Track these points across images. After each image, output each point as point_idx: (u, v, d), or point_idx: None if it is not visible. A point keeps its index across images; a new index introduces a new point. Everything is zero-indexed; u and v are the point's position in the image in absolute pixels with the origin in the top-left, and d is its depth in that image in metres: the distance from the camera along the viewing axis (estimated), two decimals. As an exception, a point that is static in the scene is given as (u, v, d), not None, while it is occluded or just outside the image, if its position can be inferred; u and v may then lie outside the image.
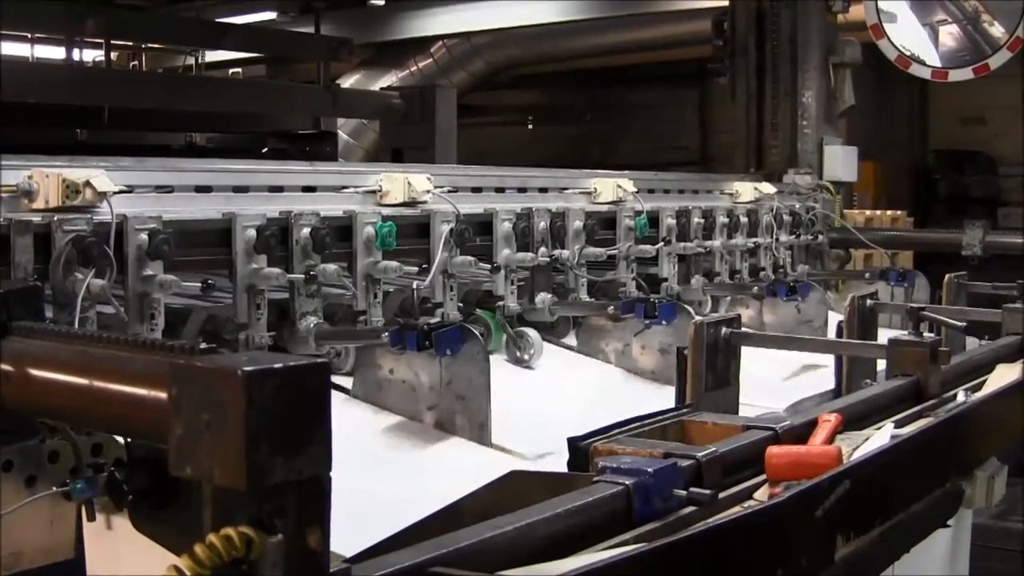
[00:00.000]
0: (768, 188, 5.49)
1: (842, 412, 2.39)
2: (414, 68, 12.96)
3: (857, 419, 2.47)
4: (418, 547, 1.49)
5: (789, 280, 4.68)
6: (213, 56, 13.82)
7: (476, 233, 3.66)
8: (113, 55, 11.54)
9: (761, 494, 2.00)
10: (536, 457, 2.84)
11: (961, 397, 2.81)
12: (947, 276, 4.51)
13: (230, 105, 10.95)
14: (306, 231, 3.14)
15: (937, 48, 6.67)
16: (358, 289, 3.29)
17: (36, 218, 2.62)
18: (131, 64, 13.66)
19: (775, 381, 3.73)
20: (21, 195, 2.67)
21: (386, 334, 2.84)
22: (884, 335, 3.47)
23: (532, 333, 3.70)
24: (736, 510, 1.86)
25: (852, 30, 6.78)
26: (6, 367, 1.61)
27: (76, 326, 2.48)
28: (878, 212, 8.83)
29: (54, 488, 2.12)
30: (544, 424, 3.03)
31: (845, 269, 6.12)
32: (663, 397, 3.33)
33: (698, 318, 3.17)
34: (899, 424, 2.46)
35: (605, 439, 2.07)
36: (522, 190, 4.18)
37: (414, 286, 3.31)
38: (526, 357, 3.67)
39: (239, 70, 14.02)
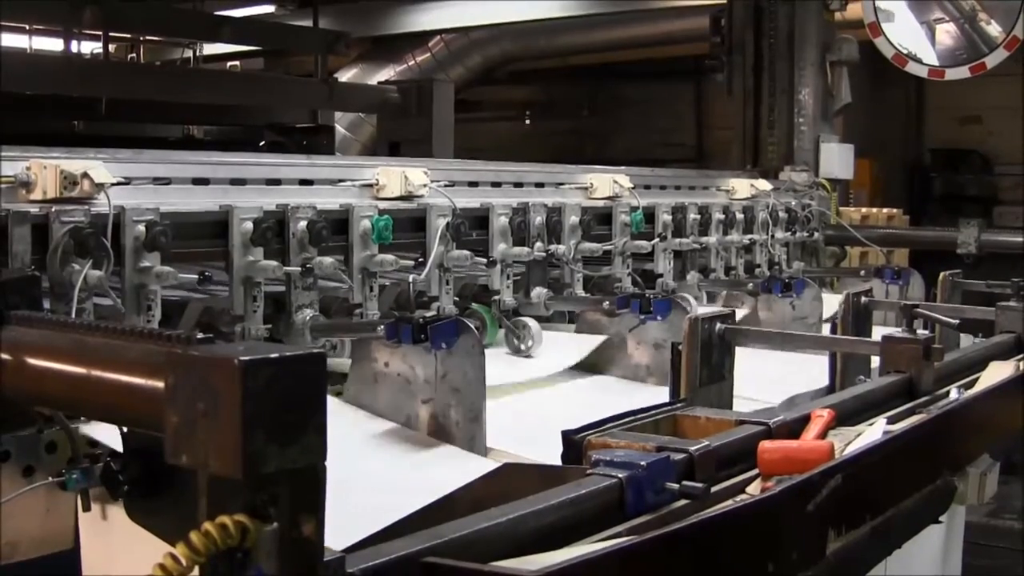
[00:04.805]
0: (764, 185, 5.49)
1: (835, 408, 2.39)
2: (411, 62, 12.97)
3: (850, 415, 2.47)
4: (411, 537, 1.50)
5: (784, 277, 4.67)
6: (211, 49, 13.81)
7: (472, 227, 3.66)
8: (111, 47, 11.54)
9: (753, 488, 2.01)
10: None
11: (954, 394, 2.81)
12: (942, 274, 4.51)
13: (227, 98, 10.96)
14: (303, 224, 3.14)
15: (934, 46, 6.68)
16: (354, 282, 3.29)
17: (34, 209, 2.62)
18: (129, 56, 13.68)
19: (769, 377, 3.73)
20: (19, 186, 2.66)
21: (381, 327, 2.83)
22: (878, 332, 3.47)
23: (531, 323, 3.68)
24: (728, 504, 1.87)
25: (849, 28, 6.79)
26: (2, 356, 1.61)
27: (73, 317, 2.48)
28: (874, 210, 8.83)
29: (50, 478, 2.13)
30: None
31: (840, 266, 6.12)
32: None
33: (694, 310, 3.17)
34: (892, 420, 2.47)
35: (599, 432, 2.08)
36: (518, 185, 4.18)
37: (410, 280, 3.31)
38: (525, 347, 3.66)
39: (237, 63, 14.03)
